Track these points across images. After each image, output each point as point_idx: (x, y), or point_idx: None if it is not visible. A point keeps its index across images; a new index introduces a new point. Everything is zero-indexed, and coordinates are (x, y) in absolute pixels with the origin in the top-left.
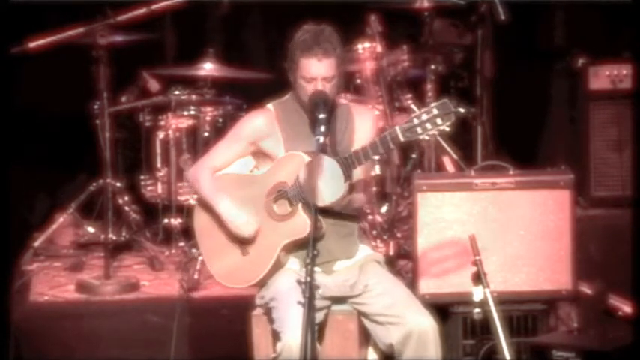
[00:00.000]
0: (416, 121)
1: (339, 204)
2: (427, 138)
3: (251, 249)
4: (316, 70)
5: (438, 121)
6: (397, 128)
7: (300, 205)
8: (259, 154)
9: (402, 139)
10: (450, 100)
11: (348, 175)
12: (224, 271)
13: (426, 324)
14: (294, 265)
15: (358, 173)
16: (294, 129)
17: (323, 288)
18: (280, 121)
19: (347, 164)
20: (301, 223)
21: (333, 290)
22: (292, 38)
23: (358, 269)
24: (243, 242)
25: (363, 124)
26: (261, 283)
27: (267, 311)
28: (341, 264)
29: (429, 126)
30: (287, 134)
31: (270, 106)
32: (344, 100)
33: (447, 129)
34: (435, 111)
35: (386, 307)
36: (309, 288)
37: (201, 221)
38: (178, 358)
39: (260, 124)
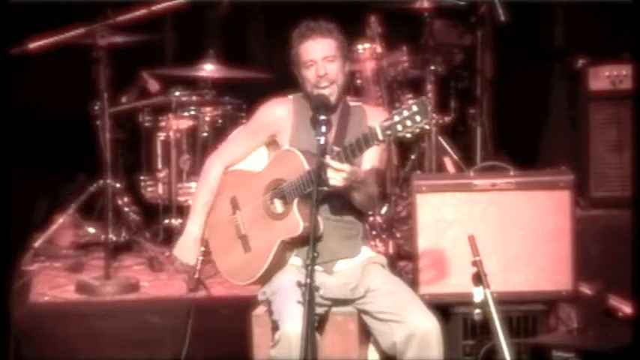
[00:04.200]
0: (396, 119)
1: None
2: (408, 136)
3: (252, 246)
4: (314, 51)
5: (417, 118)
6: (377, 127)
7: (295, 204)
8: (273, 144)
9: (381, 137)
10: (428, 99)
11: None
12: (229, 269)
13: (429, 324)
14: (296, 262)
15: (373, 158)
16: (302, 124)
17: (323, 289)
18: (295, 114)
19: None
20: (294, 222)
21: (333, 292)
22: (291, 39)
23: (360, 272)
24: (244, 239)
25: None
26: (263, 281)
27: (268, 305)
28: (343, 264)
29: (409, 123)
30: (296, 128)
31: (290, 96)
32: (355, 101)
33: (427, 127)
34: (415, 108)
35: (389, 307)
36: (309, 291)
37: (209, 218)
38: (178, 358)
39: (282, 112)
